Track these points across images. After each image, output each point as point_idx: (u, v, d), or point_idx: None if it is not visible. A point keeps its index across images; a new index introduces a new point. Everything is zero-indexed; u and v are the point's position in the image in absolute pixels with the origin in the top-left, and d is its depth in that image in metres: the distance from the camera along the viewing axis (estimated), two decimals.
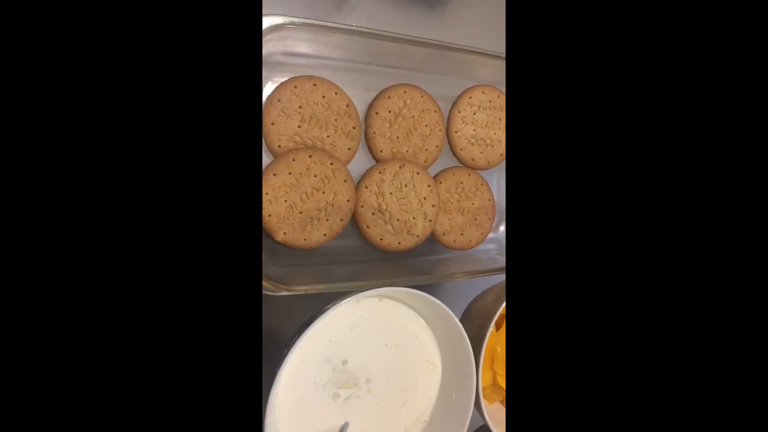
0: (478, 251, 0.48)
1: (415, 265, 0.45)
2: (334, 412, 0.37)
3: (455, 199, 0.46)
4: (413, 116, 0.43)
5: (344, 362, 0.37)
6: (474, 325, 0.41)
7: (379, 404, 0.38)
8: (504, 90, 0.47)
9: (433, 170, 0.46)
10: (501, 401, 0.46)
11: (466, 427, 0.37)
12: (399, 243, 0.43)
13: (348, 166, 0.40)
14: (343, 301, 0.34)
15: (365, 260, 0.43)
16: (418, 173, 0.43)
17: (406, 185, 0.42)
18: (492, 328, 0.40)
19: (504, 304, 0.40)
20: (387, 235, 0.42)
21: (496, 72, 0.45)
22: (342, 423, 0.37)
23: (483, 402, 0.40)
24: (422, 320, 0.40)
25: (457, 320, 0.37)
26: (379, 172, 0.42)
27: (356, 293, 0.34)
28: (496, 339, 0.45)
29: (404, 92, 0.43)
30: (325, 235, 0.39)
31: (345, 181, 0.40)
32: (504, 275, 0.45)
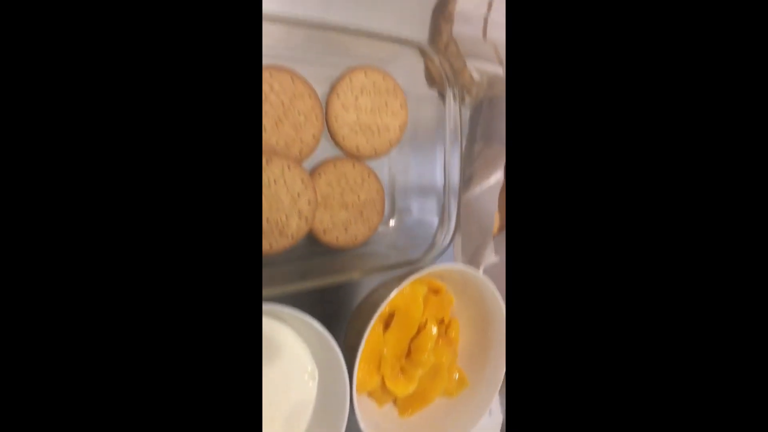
0: (368, 251, 0.45)
1: (299, 269, 0.41)
2: None
3: (337, 192, 0.42)
4: (282, 103, 0.38)
5: None
6: (357, 325, 0.38)
7: None
8: (388, 72, 0.43)
9: (314, 162, 0.42)
10: (393, 402, 0.44)
11: None
12: (270, 246, 0.39)
13: None
14: None
15: None
16: (289, 167, 0.39)
17: (275, 181, 0.38)
18: (369, 330, 0.37)
19: (387, 300, 0.37)
20: None
21: (378, 50, 0.41)
22: None
23: (358, 409, 0.37)
24: (294, 332, 0.37)
25: (321, 329, 0.34)
26: None
27: None
28: (383, 341, 0.42)
29: (269, 76, 0.38)
30: None
31: None
32: (395, 272, 0.41)
